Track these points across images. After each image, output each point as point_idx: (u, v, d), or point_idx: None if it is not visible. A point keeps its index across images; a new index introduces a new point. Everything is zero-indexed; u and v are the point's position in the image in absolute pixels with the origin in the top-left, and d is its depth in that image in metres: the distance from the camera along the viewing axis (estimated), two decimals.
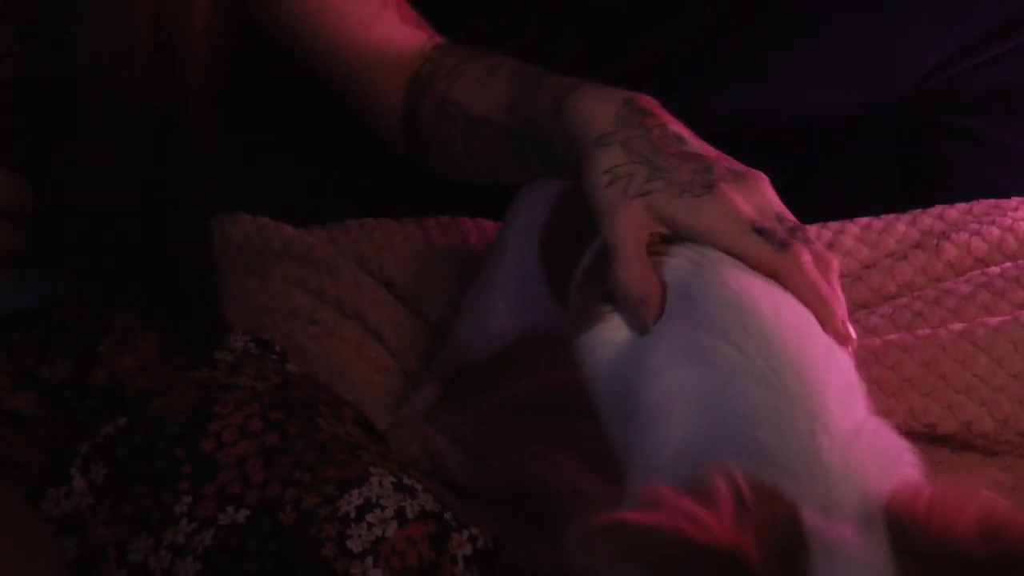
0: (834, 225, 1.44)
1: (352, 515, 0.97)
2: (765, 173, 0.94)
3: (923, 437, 1.21)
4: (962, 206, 1.45)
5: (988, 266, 1.36)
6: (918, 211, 1.44)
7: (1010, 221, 1.40)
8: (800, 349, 0.81)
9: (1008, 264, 1.35)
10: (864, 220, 1.44)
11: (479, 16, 1.49)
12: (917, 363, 1.22)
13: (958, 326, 1.25)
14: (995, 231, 1.39)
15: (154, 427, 1.02)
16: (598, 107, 0.99)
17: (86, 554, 0.99)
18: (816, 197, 1.48)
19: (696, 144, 0.97)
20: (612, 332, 0.91)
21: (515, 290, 1.18)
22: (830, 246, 1.41)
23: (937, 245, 1.38)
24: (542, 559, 1.13)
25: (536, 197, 1.14)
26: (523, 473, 1.18)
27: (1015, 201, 1.44)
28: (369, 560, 0.95)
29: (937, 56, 1.55)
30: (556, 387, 1.28)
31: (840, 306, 0.87)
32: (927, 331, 1.26)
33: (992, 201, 1.45)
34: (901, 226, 1.42)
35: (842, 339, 0.85)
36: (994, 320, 1.25)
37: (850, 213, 1.46)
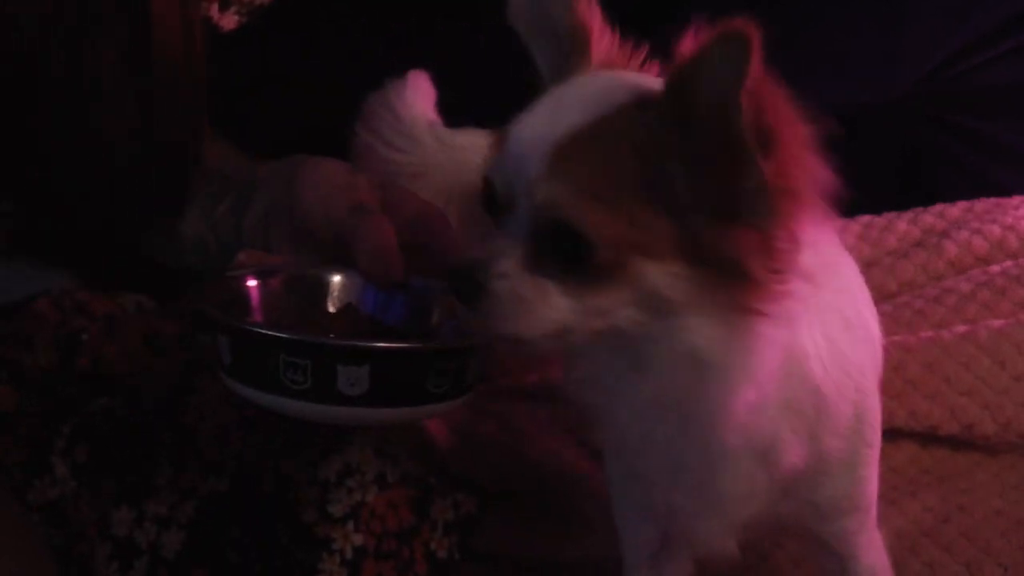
0: (835, 223, 1.44)
1: (332, 479, 0.99)
2: None
3: (923, 436, 1.21)
4: (963, 204, 1.45)
5: (989, 264, 1.36)
6: (919, 209, 1.45)
7: (1011, 219, 1.40)
8: None
9: (1009, 262, 1.35)
10: (865, 218, 1.44)
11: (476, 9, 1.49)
12: (920, 365, 1.23)
13: (961, 328, 1.25)
14: (996, 229, 1.39)
15: (134, 402, 1.03)
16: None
17: (69, 537, 1.00)
18: None
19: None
20: None
21: None
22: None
23: (938, 243, 1.39)
24: (539, 547, 1.14)
25: None
26: (521, 459, 1.18)
27: (1016, 199, 1.44)
28: (350, 524, 0.97)
29: (938, 56, 1.55)
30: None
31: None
32: (930, 333, 1.26)
33: (993, 200, 1.45)
34: (902, 224, 1.42)
35: None
36: (997, 322, 1.26)
37: (851, 211, 1.46)
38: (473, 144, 1.33)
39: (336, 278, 1.03)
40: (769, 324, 0.81)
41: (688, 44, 0.80)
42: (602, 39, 0.89)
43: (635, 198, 0.80)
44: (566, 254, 0.81)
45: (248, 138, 1.32)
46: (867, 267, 1.39)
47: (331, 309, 1.02)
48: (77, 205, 1.08)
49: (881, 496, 1.00)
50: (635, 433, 0.89)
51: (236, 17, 1.25)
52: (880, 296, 1.36)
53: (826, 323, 0.89)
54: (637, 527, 1.00)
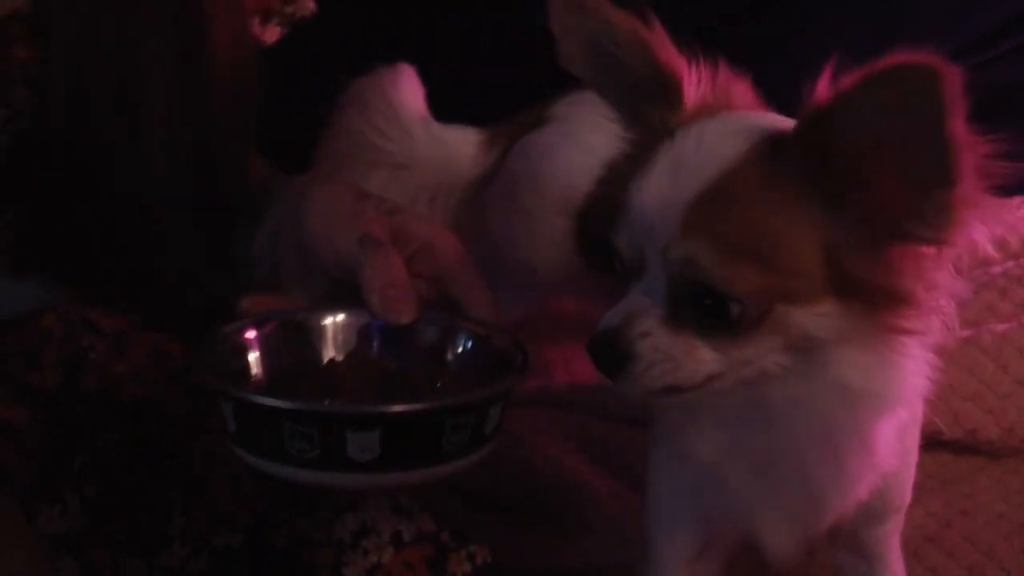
0: None
1: (347, 540, 0.97)
2: None
3: (927, 441, 1.20)
4: None
5: (990, 265, 1.35)
6: None
7: (1012, 220, 1.39)
8: None
9: (1010, 263, 1.34)
10: None
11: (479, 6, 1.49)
12: None
13: (964, 333, 1.25)
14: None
15: (145, 443, 1.01)
16: None
17: (84, 571, 0.98)
18: None
19: None
20: None
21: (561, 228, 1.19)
22: None
23: None
24: (540, 554, 1.13)
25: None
26: (521, 465, 1.18)
27: (1017, 200, 1.43)
28: None
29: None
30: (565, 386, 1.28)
31: None
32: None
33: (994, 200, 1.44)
34: None
35: None
36: (1000, 327, 1.25)
37: None
38: (463, 140, 1.32)
39: (342, 318, 1.00)
40: (916, 343, 0.83)
41: (823, 84, 0.83)
42: (692, 80, 0.89)
43: (774, 244, 0.80)
44: (708, 310, 0.81)
45: (288, 152, 1.31)
46: None
47: (338, 355, 0.99)
48: (125, 236, 1.07)
49: None
50: (771, 458, 0.89)
51: (278, 29, 1.24)
52: None
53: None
54: (681, 528, 0.99)
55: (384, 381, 0.96)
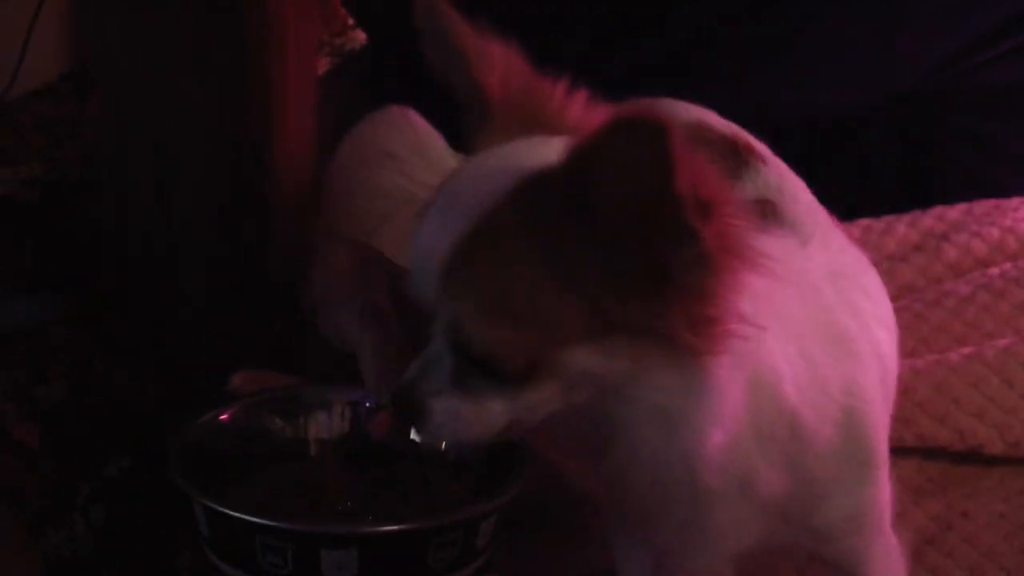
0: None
1: None
2: None
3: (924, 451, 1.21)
4: (962, 206, 1.44)
5: (988, 267, 1.36)
6: (918, 212, 1.44)
7: (1010, 222, 1.39)
8: None
9: (1008, 264, 1.34)
10: (865, 222, 1.43)
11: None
12: (928, 387, 1.22)
13: (967, 349, 1.25)
14: (995, 232, 1.38)
15: (154, 469, 0.98)
16: None
17: None
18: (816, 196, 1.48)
19: None
20: None
21: None
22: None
23: (937, 246, 1.38)
24: (542, 562, 1.13)
25: None
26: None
27: (1015, 200, 1.43)
28: None
29: (938, 56, 1.54)
30: None
31: None
32: (936, 356, 1.25)
33: (993, 201, 1.44)
34: (901, 227, 1.42)
35: None
36: (1003, 341, 1.25)
37: (850, 213, 1.45)
38: None
39: (337, 395, 0.95)
40: (725, 363, 0.79)
41: (577, 113, 0.79)
42: (509, 99, 0.82)
43: (541, 291, 0.75)
44: (485, 366, 0.78)
45: None
46: None
47: (329, 435, 0.95)
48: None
49: None
50: (616, 482, 0.87)
51: (328, 59, 1.24)
52: None
53: (802, 341, 0.86)
54: (632, 554, 0.99)
55: (371, 477, 0.92)
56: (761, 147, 1.00)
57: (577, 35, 1.53)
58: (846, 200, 1.49)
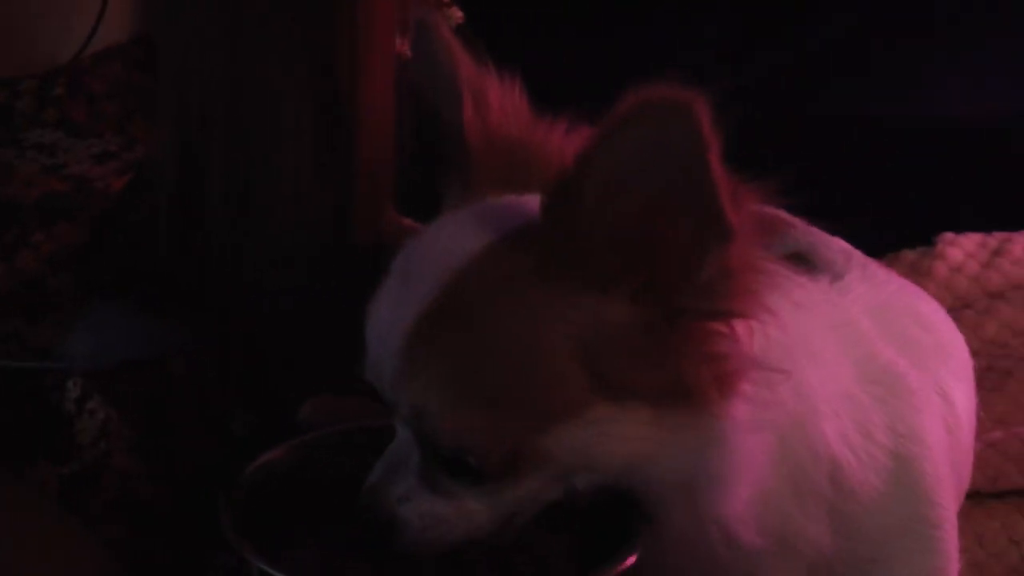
0: (1000, 235, 1.40)
1: None
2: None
3: None
4: None
5: None
6: None
7: None
8: None
9: None
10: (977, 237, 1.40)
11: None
12: None
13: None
14: None
15: None
16: None
17: None
18: (962, 206, 1.43)
19: None
20: None
21: None
22: (995, 254, 1.37)
23: None
24: None
25: None
26: None
27: None
28: None
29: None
30: None
31: None
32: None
33: None
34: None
35: None
36: None
37: (995, 223, 1.40)
38: None
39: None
40: (742, 409, 0.70)
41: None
42: (494, 148, 0.74)
43: (519, 366, 0.67)
44: (458, 464, 0.69)
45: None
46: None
47: None
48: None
49: None
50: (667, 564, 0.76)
51: None
52: None
53: (841, 380, 0.78)
54: None
55: None
56: (783, 213, 0.88)
57: (707, 32, 1.48)
58: (990, 210, 1.44)
